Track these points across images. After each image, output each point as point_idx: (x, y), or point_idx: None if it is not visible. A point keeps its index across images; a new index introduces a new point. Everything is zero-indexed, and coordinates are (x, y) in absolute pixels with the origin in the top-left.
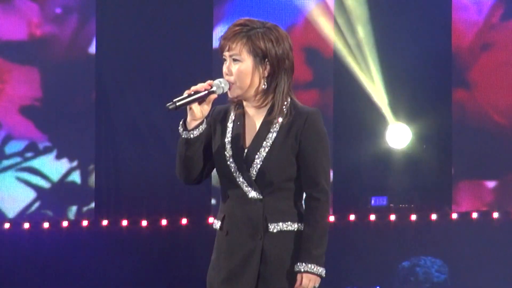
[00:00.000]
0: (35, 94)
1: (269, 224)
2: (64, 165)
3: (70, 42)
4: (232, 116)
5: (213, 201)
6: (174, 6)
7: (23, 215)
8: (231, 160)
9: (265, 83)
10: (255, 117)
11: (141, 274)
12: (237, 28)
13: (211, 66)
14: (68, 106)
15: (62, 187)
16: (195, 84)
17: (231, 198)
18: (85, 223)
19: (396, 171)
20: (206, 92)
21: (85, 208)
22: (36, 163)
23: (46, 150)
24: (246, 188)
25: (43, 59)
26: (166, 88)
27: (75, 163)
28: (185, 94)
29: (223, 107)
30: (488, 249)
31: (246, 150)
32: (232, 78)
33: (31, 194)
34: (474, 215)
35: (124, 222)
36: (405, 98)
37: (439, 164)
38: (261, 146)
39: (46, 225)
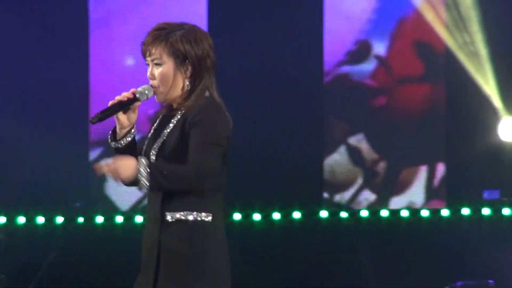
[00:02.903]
0: None
1: (166, 214)
2: None
3: None
4: (160, 117)
5: (325, 195)
6: None
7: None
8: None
9: (189, 83)
10: None
11: None
12: (156, 32)
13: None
14: None
15: None
16: None
17: None
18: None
19: (508, 164)
20: (128, 100)
21: None
22: None
23: None
24: None
25: None
26: None
27: None
28: (109, 104)
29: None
30: None
31: (145, 146)
32: (155, 82)
33: None
34: None
35: None
36: None
37: None
38: (155, 141)
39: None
